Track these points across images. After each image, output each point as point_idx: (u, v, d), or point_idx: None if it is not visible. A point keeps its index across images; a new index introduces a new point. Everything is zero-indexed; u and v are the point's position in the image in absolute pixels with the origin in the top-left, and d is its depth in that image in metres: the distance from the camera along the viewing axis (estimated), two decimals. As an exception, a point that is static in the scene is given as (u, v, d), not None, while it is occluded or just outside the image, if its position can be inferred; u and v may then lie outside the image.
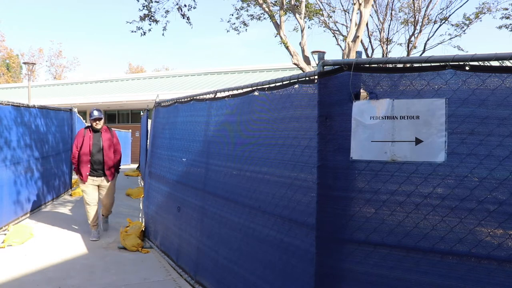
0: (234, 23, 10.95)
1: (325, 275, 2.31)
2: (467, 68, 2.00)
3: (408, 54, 11.80)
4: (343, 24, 12.35)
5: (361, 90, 2.25)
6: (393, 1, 12.34)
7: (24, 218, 6.52)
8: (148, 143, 6.93)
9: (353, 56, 8.07)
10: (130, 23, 9.35)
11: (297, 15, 8.95)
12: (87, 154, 5.49)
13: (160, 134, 5.38)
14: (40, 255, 4.77)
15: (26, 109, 6.77)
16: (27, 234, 5.38)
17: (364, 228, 2.21)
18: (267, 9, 9.07)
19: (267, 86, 2.94)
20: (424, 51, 11.81)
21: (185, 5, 9.24)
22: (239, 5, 10.62)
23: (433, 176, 2.06)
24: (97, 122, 5.57)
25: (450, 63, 2.03)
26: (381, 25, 12.66)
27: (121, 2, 73.33)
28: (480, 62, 2.01)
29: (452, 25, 11.85)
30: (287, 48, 8.73)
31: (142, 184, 10.56)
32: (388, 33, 12.68)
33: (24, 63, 20.43)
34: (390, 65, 2.30)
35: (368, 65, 2.25)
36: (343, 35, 11.46)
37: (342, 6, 16.40)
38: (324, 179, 2.33)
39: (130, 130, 20.78)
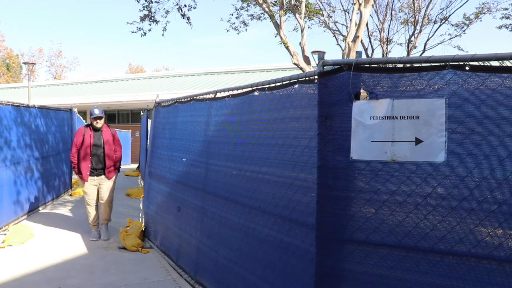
0: (234, 23, 10.96)
1: (325, 275, 2.31)
2: (467, 68, 2.00)
3: (408, 54, 11.80)
4: (343, 24, 12.36)
5: (361, 90, 2.25)
6: (393, 1, 12.35)
7: (24, 218, 6.52)
8: (148, 143, 6.94)
9: (353, 56, 8.07)
10: (131, 24, 9.37)
11: (297, 15, 8.95)
12: (87, 153, 5.40)
13: (160, 134, 5.39)
14: (40, 255, 4.77)
15: (26, 109, 6.77)
16: (27, 234, 5.38)
17: (364, 228, 2.21)
18: (267, 9, 9.07)
19: (267, 86, 2.94)
20: (424, 51, 11.81)
21: (185, 5, 9.25)
22: (239, 5, 10.63)
23: (433, 176, 2.06)
24: (98, 120, 5.46)
25: (450, 63, 2.03)
26: (381, 25, 12.66)
27: (121, 2, 73.38)
28: (480, 62, 2.01)
29: (452, 25, 11.85)
30: (287, 48, 8.73)
31: (142, 184, 10.56)
32: (388, 33, 12.69)
33: (24, 63, 20.43)
34: (390, 65, 2.30)
35: (368, 65, 2.25)
36: (343, 35, 11.46)
37: (342, 6, 16.41)
38: (324, 179, 2.33)
39: (130, 130, 20.78)
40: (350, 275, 2.25)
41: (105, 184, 5.57)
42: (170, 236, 4.66)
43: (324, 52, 2.51)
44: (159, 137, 5.44)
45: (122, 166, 6.45)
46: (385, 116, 2.17)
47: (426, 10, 11.62)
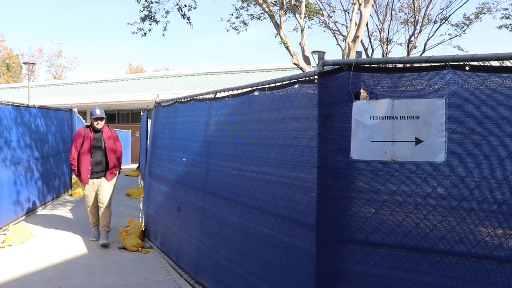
0: (234, 23, 10.96)
1: (325, 275, 2.31)
2: (467, 68, 2.00)
3: (408, 54, 11.80)
4: (343, 24, 12.36)
5: (361, 90, 2.25)
6: (393, 1, 12.35)
7: (24, 218, 6.52)
8: (148, 143, 6.94)
9: (353, 56, 8.07)
10: (131, 24, 9.37)
11: (297, 15, 8.95)
12: (87, 155, 5.25)
13: (160, 134, 5.39)
14: (40, 255, 4.77)
15: (26, 109, 6.77)
16: (27, 234, 5.38)
17: (364, 228, 2.21)
18: (267, 9, 9.07)
19: (267, 86, 2.94)
20: (424, 51, 11.81)
21: (185, 5, 9.25)
22: (239, 5, 10.63)
23: (433, 176, 2.06)
24: (99, 121, 5.30)
25: (450, 63, 2.03)
26: (381, 25, 12.66)
27: (121, 2, 73.39)
28: (480, 62, 2.01)
29: (452, 25, 11.85)
30: (287, 48, 8.73)
31: (142, 184, 10.56)
32: (388, 33, 12.69)
33: (24, 63, 20.44)
34: (390, 65, 2.30)
35: (368, 65, 2.25)
36: (343, 35, 11.46)
37: (342, 6, 16.41)
38: (324, 179, 2.33)
39: (130, 130, 20.79)
40: (350, 275, 2.25)
41: (105, 187, 5.39)
42: (170, 236, 4.66)
43: (324, 52, 2.51)
44: (159, 137, 5.44)
45: (122, 166, 6.27)
46: (385, 116, 2.17)
47: (426, 10, 11.64)
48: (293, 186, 2.60)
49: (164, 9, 9.83)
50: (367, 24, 11.17)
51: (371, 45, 12.49)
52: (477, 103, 1.98)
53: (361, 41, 10.90)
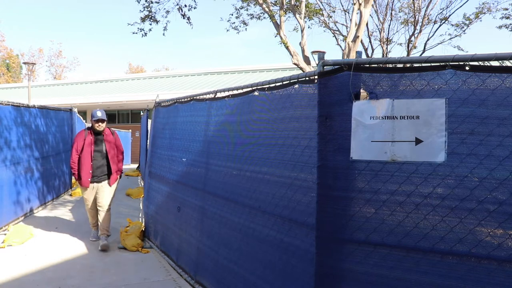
0: (234, 23, 10.96)
1: (325, 275, 2.31)
2: (467, 68, 2.00)
3: (408, 54, 11.80)
4: (343, 24, 12.36)
5: (361, 90, 2.25)
6: (393, 1, 12.35)
7: (24, 218, 6.52)
8: (148, 143, 6.94)
9: (353, 56, 8.07)
10: (132, 25, 9.37)
11: (297, 15, 8.95)
12: (88, 159, 5.10)
13: (160, 134, 5.39)
14: (40, 255, 4.77)
15: (26, 109, 6.77)
16: (27, 234, 5.38)
17: (364, 228, 2.21)
18: (267, 9, 9.07)
19: (267, 86, 2.94)
20: (424, 51, 11.81)
21: (185, 5, 9.25)
22: (239, 5, 10.63)
23: (433, 176, 2.06)
24: (100, 124, 5.14)
25: (450, 63, 2.03)
26: (381, 25, 12.66)
27: (121, 2, 73.39)
28: (480, 62, 2.01)
29: (452, 25, 11.85)
30: (287, 48, 8.73)
31: (142, 184, 10.56)
32: (388, 33, 12.69)
33: (24, 63, 20.44)
34: (390, 65, 2.30)
35: (368, 65, 2.25)
36: (343, 35, 11.46)
37: (342, 6, 16.41)
38: (324, 179, 2.33)
39: (130, 130, 20.79)
40: (350, 275, 2.25)
41: (105, 191, 5.25)
42: (170, 236, 4.66)
43: (324, 52, 2.51)
44: (159, 137, 5.44)
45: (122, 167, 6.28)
46: (385, 116, 2.17)
47: (426, 10, 11.64)
48: (293, 186, 2.60)
49: (164, 9, 9.84)
50: (367, 24, 11.18)
51: (371, 45, 12.50)
52: (477, 103, 1.98)
53: (361, 41, 10.90)
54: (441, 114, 2.04)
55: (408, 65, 2.24)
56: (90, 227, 5.62)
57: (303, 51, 8.92)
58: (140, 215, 7.03)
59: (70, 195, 9.03)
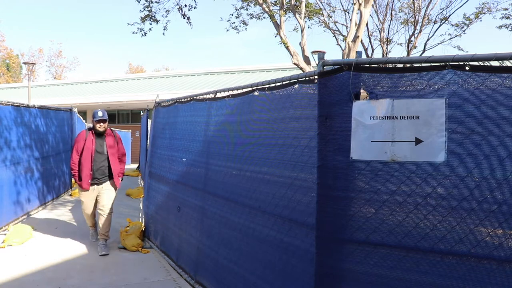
0: (234, 22, 10.96)
1: (325, 275, 2.31)
2: (467, 68, 2.00)
3: (408, 54, 11.79)
4: (343, 24, 12.36)
5: (361, 90, 2.25)
6: (393, 1, 12.35)
7: (24, 218, 6.52)
8: (148, 143, 6.94)
9: (353, 56, 8.07)
10: (132, 24, 9.38)
11: (297, 15, 8.95)
12: (88, 160, 4.95)
13: (160, 134, 5.39)
14: (40, 255, 4.77)
15: (26, 109, 6.77)
16: (27, 234, 5.38)
17: (364, 228, 2.21)
18: (267, 9, 9.07)
19: (267, 86, 2.94)
20: (424, 51, 11.81)
21: (185, 5, 9.25)
22: (239, 5, 10.63)
23: (433, 176, 2.06)
24: (101, 124, 5.00)
25: (450, 63, 2.03)
26: (381, 25, 12.66)
27: (121, 2, 73.39)
28: (480, 62, 2.01)
29: (452, 25, 11.85)
30: (287, 48, 8.73)
31: (142, 184, 10.56)
32: (388, 33, 12.68)
33: (24, 63, 20.44)
34: (390, 65, 2.30)
35: (368, 65, 2.25)
36: (343, 35, 11.46)
37: (342, 6, 16.39)
38: (324, 179, 2.33)
39: (130, 130, 20.79)
40: (350, 275, 2.25)
41: (107, 193, 5.10)
42: (170, 236, 4.66)
43: (324, 52, 2.51)
44: (159, 137, 5.44)
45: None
46: (385, 116, 2.17)
47: (426, 10, 11.63)
48: (293, 186, 2.60)
49: (165, 8, 9.84)
50: (367, 24, 11.18)
51: (371, 45, 12.50)
52: (477, 103, 1.98)
53: (361, 41, 10.90)
54: (441, 114, 2.04)
55: (408, 65, 2.24)
56: (88, 228, 5.53)
57: (303, 51, 8.92)
58: (140, 215, 7.03)
59: (70, 195, 9.04)
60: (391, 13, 12.52)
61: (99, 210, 5.10)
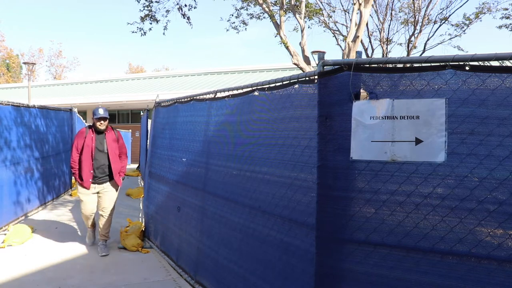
0: (234, 22, 10.96)
1: (325, 275, 2.31)
2: (467, 68, 2.00)
3: (408, 54, 11.79)
4: (343, 24, 12.36)
5: (361, 90, 2.25)
6: (393, 1, 12.34)
7: (24, 218, 6.52)
8: (148, 143, 6.93)
9: (353, 56, 8.07)
10: (131, 24, 9.39)
11: (297, 15, 8.95)
12: (89, 159, 4.85)
13: (160, 134, 5.39)
14: (40, 255, 4.77)
15: (26, 109, 6.77)
16: (27, 234, 5.38)
17: (364, 228, 2.21)
18: (267, 9, 9.07)
19: (267, 86, 2.94)
20: (424, 51, 11.81)
21: (185, 5, 9.26)
22: (239, 5, 10.63)
23: (433, 176, 2.06)
24: (102, 122, 4.90)
25: (450, 63, 2.03)
26: (381, 25, 12.66)
27: (121, 2, 73.39)
28: (480, 62, 2.01)
29: (452, 25, 11.85)
30: (287, 48, 8.73)
31: (142, 184, 10.56)
32: (388, 33, 12.68)
33: (24, 63, 20.44)
34: (390, 65, 2.30)
35: (368, 65, 2.25)
36: (343, 35, 11.46)
37: (342, 6, 16.40)
38: (324, 179, 2.33)
39: (130, 130, 20.79)
40: (350, 275, 2.25)
41: (107, 194, 5.00)
42: (170, 236, 4.66)
43: (324, 52, 2.51)
44: (159, 137, 5.44)
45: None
46: (385, 116, 2.17)
47: (426, 10, 11.63)
48: (293, 186, 2.60)
49: (165, 8, 9.86)
50: (367, 24, 11.17)
51: (371, 45, 12.49)
52: (477, 103, 1.98)
53: (361, 41, 10.90)
54: (441, 114, 2.04)
55: (408, 65, 2.24)
56: (87, 229, 5.32)
57: (303, 51, 8.92)
58: (140, 215, 7.03)
59: (70, 195, 9.04)
60: (391, 13, 12.52)
61: (100, 212, 5.02)
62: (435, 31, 12.72)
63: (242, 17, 10.93)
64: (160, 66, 66.76)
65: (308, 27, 11.47)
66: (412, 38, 12.00)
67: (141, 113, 17.84)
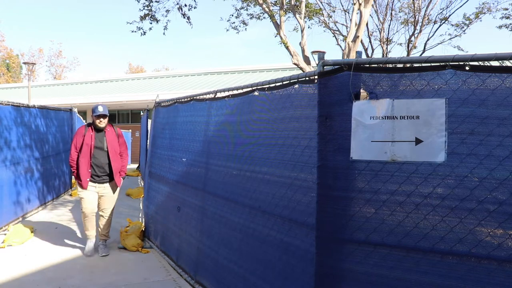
0: (234, 22, 10.97)
1: (325, 275, 2.31)
2: (467, 68, 2.00)
3: (408, 54, 11.79)
4: (343, 24, 12.35)
5: (361, 90, 2.25)
6: (393, 1, 12.33)
7: (24, 218, 6.52)
8: (148, 143, 6.93)
9: (353, 56, 8.07)
10: (131, 23, 9.39)
11: (297, 15, 8.95)
12: (87, 157, 4.72)
13: (160, 134, 5.39)
14: (40, 255, 4.77)
15: (26, 109, 6.77)
16: (27, 234, 5.38)
17: (364, 228, 2.21)
18: (267, 9, 9.07)
19: (267, 86, 2.94)
20: (424, 51, 11.80)
21: (185, 5, 9.25)
22: (239, 6, 10.63)
23: (433, 176, 2.06)
24: (101, 119, 4.77)
25: (450, 63, 2.03)
26: (381, 25, 12.66)
27: (121, 2, 73.38)
28: (480, 62, 2.01)
29: (452, 25, 11.85)
30: (287, 48, 8.73)
31: (142, 184, 10.56)
32: (388, 33, 12.68)
33: (24, 63, 20.44)
34: (390, 65, 2.30)
35: (368, 65, 2.25)
36: (343, 35, 11.46)
37: (342, 6, 16.41)
38: (324, 179, 2.33)
39: (130, 130, 20.78)
40: (350, 275, 2.25)
41: (109, 193, 4.90)
42: (170, 236, 4.66)
43: (324, 52, 2.51)
44: (159, 137, 5.44)
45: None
46: (385, 116, 2.17)
47: (426, 10, 11.63)
48: (293, 186, 2.60)
49: (165, 8, 9.86)
50: (367, 24, 11.17)
51: (371, 45, 12.49)
52: (477, 103, 1.98)
53: (361, 41, 10.90)
54: (441, 114, 2.04)
55: (408, 65, 2.24)
56: (86, 236, 4.96)
57: (303, 51, 8.92)
58: (140, 215, 7.03)
59: (70, 195, 9.04)
60: (391, 13, 12.51)
61: (100, 212, 4.95)
62: (435, 31, 12.73)
63: (242, 17, 10.92)
64: (160, 66, 66.78)
65: (308, 27, 11.48)
66: (412, 38, 12.00)
67: (141, 113, 17.84)
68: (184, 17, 9.32)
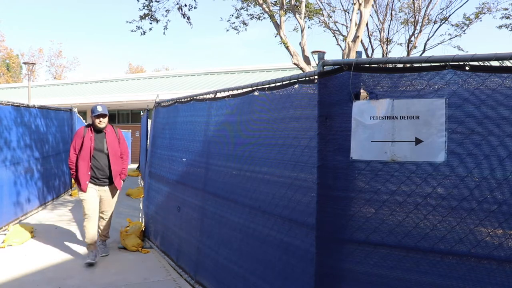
0: (234, 23, 10.97)
1: (325, 275, 2.31)
2: (467, 68, 2.00)
3: (408, 54, 11.79)
4: (343, 24, 12.36)
5: (361, 90, 2.25)
6: (393, 1, 12.34)
7: (24, 218, 6.52)
8: (148, 143, 6.94)
9: (353, 56, 8.07)
10: (130, 22, 9.39)
11: (297, 15, 8.95)
12: (87, 159, 4.59)
13: (160, 134, 5.39)
14: (40, 255, 4.77)
15: (26, 109, 6.78)
16: (27, 234, 5.38)
17: (364, 228, 2.21)
18: (267, 9, 9.07)
19: (267, 86, 2.94)
20: (424, 51, 11.81)
21: (185, 5, 9.26)
22: (239, 6, 10.63)
23: (433, 176, 2.06)
24: (101, 119, 4.62)
25: (450, 63, 2.03)
26: (381, 25, 12.66)
27: (121, 2, 73.38)
28: (480, 62, 2.01)
29: (452, 25, 11.85)
30: (287, 48, 8.73)
31: (142, 184, 10.56)
32: (388, 33, 12.68)
33: (24, 63, 20.44)
34: (390, 65, 2.30)
35: (368, 65, 2.25)
36: (343, 35, 11.46)
37: (342, 6, 16.41)
38: (324, 179, 2.33)
39: (130, 130, 20.78)
40: (350, 275, 2.25)
41: (107, 197, 4.79)
42: (170, 236, 4.66)
43: (324, 52, 2.51)
44: (159, 137, 5.44)
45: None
46: (385, 116, 2.17)
47: (426, 10, 11.63)
48: (293, 186, 2.60)
49: (164, 7, 9.86)
50: (367, 24, 11.17)
51: (371, 45, 12.49)
52: (477, 103, 1.98)
53: (361, 41, 10.90)
54: (441, 114, 2.04)
55: (408, 65, 2.24)
56: (86, 246, 4.72)
57: (303, 51, 8.92)
58: (140, 215, 7.03)
59: (70, 195, 9.04)
60: (391, 13, 12.52)
61: (100, 214, 4.86)
62: (435, 31, 12.73)
63: (242, 18, 10.92)
64: (160, 66, 66.80)
65: (308, 27, 11.48)
66: (412, 38, 12.00)
67: (141, 113, 17.84)
68: (184, 17, 9.32)
